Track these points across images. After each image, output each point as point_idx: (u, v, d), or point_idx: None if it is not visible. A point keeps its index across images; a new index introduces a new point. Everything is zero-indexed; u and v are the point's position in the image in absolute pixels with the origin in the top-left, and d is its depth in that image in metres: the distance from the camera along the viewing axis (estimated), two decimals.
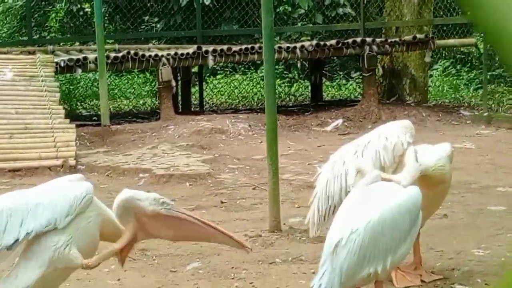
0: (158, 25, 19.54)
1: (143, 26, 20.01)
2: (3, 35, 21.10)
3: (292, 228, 7.51)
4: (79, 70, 14.67)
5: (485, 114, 14.13)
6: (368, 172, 5.76)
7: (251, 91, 19.22)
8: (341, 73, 19.37)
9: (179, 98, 16.56)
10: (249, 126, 13.70)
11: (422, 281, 6.13)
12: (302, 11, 18.70)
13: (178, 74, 15.88)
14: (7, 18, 20.81)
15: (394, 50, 15.27)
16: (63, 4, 19.38)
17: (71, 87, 17.87)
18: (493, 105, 14.72)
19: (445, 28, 16.99)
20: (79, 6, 19.44)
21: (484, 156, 11.40)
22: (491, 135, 13.30)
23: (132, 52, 14.48)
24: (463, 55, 18.43)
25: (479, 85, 16.18)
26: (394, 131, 6.55)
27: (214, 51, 14.51)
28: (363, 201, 5.45)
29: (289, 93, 18.74)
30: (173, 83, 14.73)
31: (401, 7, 16.20)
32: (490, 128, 13.88)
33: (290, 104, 17.71)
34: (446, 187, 6.29)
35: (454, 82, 17.59)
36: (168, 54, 14.38)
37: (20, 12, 20.71)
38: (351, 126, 13.26)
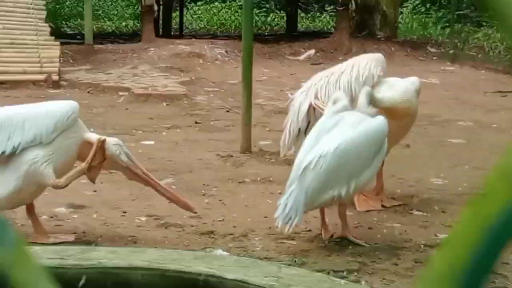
0: None
1: None
2: None
3: (262, 150, 7.57)
4: None
5: (451, 51, 14.27)
6: (341, 101, 5.73)
7: (229, 18, 19.41)
8: (316, 5, 19.35)
9: (160, 22, 16.64)
10: (226, 52, 13.75)
11: (382, 206, 6.18)
12: None
13: None
14: None
15: None
16: None
17: (57, 6, 17.65)
18: (459, 44, 14.85)
19: None
20: None
21: (447, 91, 11.48)
22: (456, 72, 13.42)
23: None
24: None
25: (447, 24, 16.30)
26: (366, 64, 6.49)
27: None
28: (332, 128, 5.43)
29: (265, 22, 18.82)
30: (155, 7, 14.81)
31: None
32: (455, 65, 13.99)
33: (266, 33, 17.88)
34: (411, 119, 6.31)
35: (423, 20, 17.75)
36: None
37: None
38: (323, 56, 13.36)
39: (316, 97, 6.51)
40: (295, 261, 5.21)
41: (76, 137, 5.54)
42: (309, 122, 6.49)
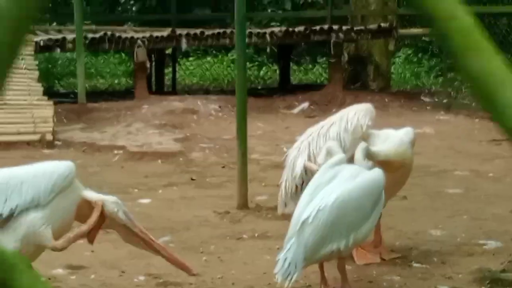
0: (134, 8, 19.75)
1: (119, 8, 20.09)
2: None
3: (259, 205, 7.64)
4: (58, 50, 14.92)
5: (445, 101, 14.45)
6: (335, 154, 5.82)
7: (222, 73, 19.43)
8: (308, 58, 19.67)
9: (153, 78, 16.83)
10: (219, 107, 13.88)
11: (381, 258, 6.23)
12: None
13: (153, 56, 16.15)
14: None
15: (359, 38, 15.55)
16: None
17: (50, 66, 17.99)
18: (452, 93, 15.05)
19: (408, 17, 17.36)
20: None
21: (443, 141, 11.57)
22: (450, 121, 13.56)
23: (109, 33, 14.74)
24: (424, 43, 18.84)
25: (439, 73, 16.56)
26: (355, 114, 6.61)
27: (188, 34, 14.93)
28: (330, 181, 5.52)
29: (258, 76, 19.10)
30: (148, 64, 15.01)
31: None
32: (449, 114, 14.16)
33: (259, 87, 18.15)
34: (407, 170, 6.35)
35: (416, 69, 17.94)
36: (144, 37, 14.66)
37: None
38: (316, 109, 13.61)
39: (308, 155, 6.66)
40: None
41: (74, 197, 5.57)
42: (303, 179, 6.62)
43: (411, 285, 5.98)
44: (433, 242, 6.78)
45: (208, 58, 19.94)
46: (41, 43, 14.14)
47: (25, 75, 12.78)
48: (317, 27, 15.53)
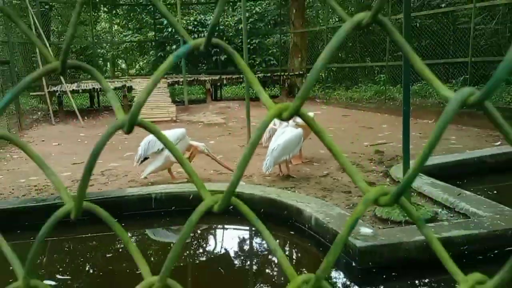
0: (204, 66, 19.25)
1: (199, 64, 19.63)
2: None
3: (260, 143, 6.91)
4: (176, 85, 14.52)
5: (324, 100, 14.74)
6: (283, 124, 6.13)
7: (240, 91, 18.76)
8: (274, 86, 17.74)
9: (212, 94, 16.29)
10: (238, 105, 13.48)
11: (302, 162, 6.53)
12: None
13: (212, 86, 15.78)
14: None
15: (293, 77, 15.86)
16: None
17: (173, 91, 17.14)
18: (327, 97, 15.08)
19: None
20: None
21: (324, 117, 11.46)
22: (327, 109, 13.32)
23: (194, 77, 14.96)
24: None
25: (324, 88, 16.27)
26: None
27: (227, 78, 14.78)
28: (282, 134, 5.84)
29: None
30: (211, 89, 14.99)
31: (292, 61, 16.98)
32: (326, 106, 13.99)
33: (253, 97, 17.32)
34: (309, 131, 5.81)
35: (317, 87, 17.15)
36: (209, 79, 14.69)
37: None
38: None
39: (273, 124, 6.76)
40: (272, 185, 5.50)
41: (186, 142, 5.88)
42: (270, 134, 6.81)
43: (313, 169, 6.17)
44: (324, 155, 7.00)
45: (233, 87, 19.85)
46: (169, 82, 14.35)
47: (164, 94, 13.03)
48: (276, 74, 16.34)
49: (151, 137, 5.44)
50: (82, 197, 0.49)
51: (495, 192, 5.56)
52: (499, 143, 7.47)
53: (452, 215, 4.35)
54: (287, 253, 4.23)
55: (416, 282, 3.57)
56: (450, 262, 0.49)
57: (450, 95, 0.43)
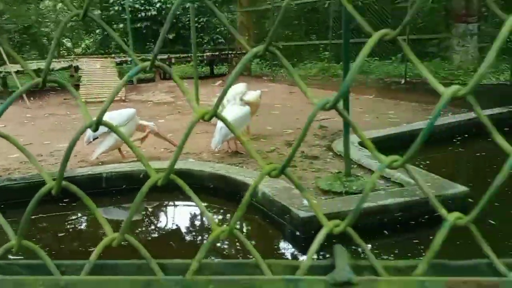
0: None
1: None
2: None
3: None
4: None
5: (271, 78, 14.86)
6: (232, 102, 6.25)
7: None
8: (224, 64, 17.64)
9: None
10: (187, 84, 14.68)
11: (249, 138, 6.66)
12: None
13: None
14: None
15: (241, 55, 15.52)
16: None
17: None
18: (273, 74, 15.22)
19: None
20: None
21: (271, 94, 11.69)
22: (274, 87, 13.46)
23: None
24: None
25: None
26: (239, 86, 6.65)
27: (176, 57, 15.02)
28: (232, 111, 5.96)
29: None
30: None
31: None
32: (273, 84, 14.13)
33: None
34: (256, 107, 6.82)
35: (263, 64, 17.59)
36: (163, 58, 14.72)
37: None
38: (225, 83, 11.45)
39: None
40: (221, 162, 5.66)
41: (135, 122, 5.98)
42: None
43: (261, 145, 6.25)
44: (270, 131, 7.25)
45: (182, 65, 19.10)
46: (117, 61, 14.21)
47: (113, 74, 12.68)
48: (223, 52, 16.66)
49: None
50: (61, 177, 0.59)
51: (427, 162, 5.85)
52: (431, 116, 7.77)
53: (388, 184, 4.57)
54: (238, 225, 4.28)
55: (353, 247, 3.71)
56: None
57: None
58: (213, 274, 0.62)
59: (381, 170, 0.60)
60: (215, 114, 0.60)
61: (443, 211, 0.59)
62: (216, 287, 0.58)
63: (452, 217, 0.58)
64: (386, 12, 13.25)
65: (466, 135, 6.96)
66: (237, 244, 3.86)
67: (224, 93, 0.62)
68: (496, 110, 7.55)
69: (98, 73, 12.52)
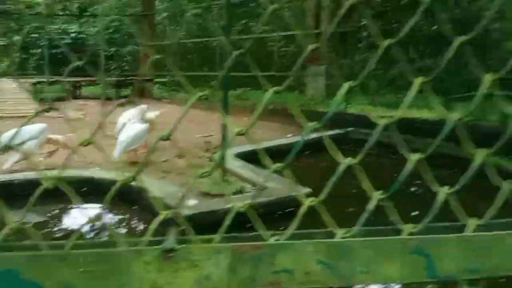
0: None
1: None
2: None
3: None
4: None
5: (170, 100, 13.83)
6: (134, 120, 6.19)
7: None
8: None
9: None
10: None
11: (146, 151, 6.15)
12: None
13: None
14: None
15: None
16: None
17: None
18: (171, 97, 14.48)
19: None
20: None
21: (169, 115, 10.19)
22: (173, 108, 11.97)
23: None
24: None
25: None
26: (141, 108, 6.55)
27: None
28: (131, 128, 5.88)
29: None
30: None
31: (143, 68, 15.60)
32: (172, 105, 12.80)
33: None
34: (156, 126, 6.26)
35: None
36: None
37: None
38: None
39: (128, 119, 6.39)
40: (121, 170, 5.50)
41: (46, 136, 5.67)
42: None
43: (156, 156, 5.90)
44: (164, 144, 6.89)
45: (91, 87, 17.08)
46: (34, 82, 13.08)
47: (27, 92, 12.07)
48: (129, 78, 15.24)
49: (12, 132, 4.91)
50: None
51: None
52: (290, 135, 7.98)
53: (254, 188, 4.76)
54: (133, 221, 4.38)
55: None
56: None
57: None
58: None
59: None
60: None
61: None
62: (86, 256, 0.72)
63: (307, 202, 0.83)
64: (262, 52, 13.50)
65: (312, 150, 7.09)
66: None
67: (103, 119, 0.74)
68: (332, 132, 7.83)
69: (14, 91, 11.91)
